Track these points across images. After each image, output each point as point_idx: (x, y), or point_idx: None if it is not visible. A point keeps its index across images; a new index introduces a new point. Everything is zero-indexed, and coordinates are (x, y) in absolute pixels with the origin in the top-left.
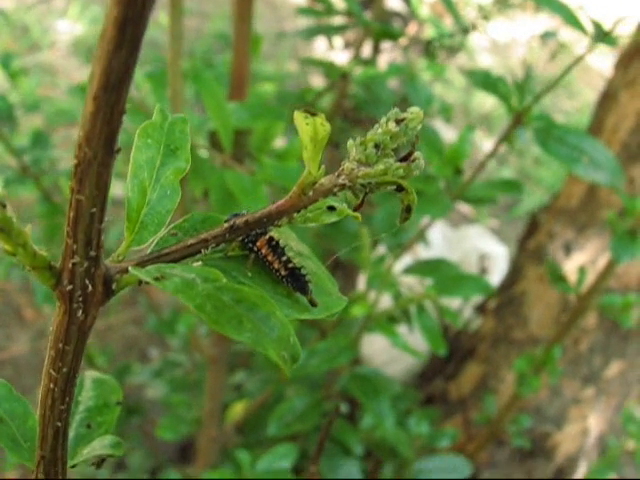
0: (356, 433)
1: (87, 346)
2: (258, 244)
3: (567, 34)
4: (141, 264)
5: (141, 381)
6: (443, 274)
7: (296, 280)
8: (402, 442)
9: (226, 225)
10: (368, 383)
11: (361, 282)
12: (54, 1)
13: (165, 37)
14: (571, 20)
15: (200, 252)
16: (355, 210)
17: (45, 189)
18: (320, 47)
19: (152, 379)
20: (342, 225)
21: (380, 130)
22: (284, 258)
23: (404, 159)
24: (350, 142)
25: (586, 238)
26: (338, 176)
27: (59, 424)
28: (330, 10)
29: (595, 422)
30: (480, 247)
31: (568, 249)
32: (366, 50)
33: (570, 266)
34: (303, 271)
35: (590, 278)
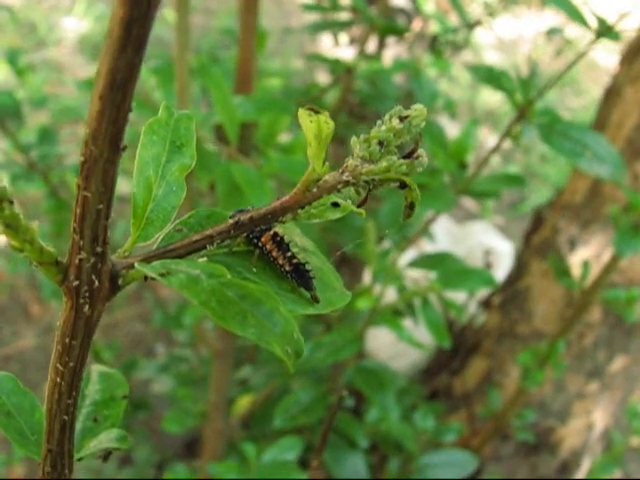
0: (361, 427)
1: (93, 341)
2: (263, 240)
3: (573, 31)
4: (147, 260)
5: (147, 376)
6: (448, 268)
7: (300, 276)
8: (407, 436)
9: (231, 221)
10: (373, 376)
11: (366, 277)
12: None
13: (170, 34)
14: (575, 15)
15: (205, 248)
16: (359, 206)
17: (52, 185)
18: (326, 44)
19: (158, 374)
20: (347, 219)
21: (384, 127)
22: (289, 254)
23: (407, 156)
24: (354, 139)
25: (590, 233)
26: (342, 173)
27: (66, 418)
28: (335, 6)
29: (599, 417)
30: (485, 243)
31: (572, 244)
32: (371, 46)
33: (574, 261)
34: (307, 267)
35: (594, 273)
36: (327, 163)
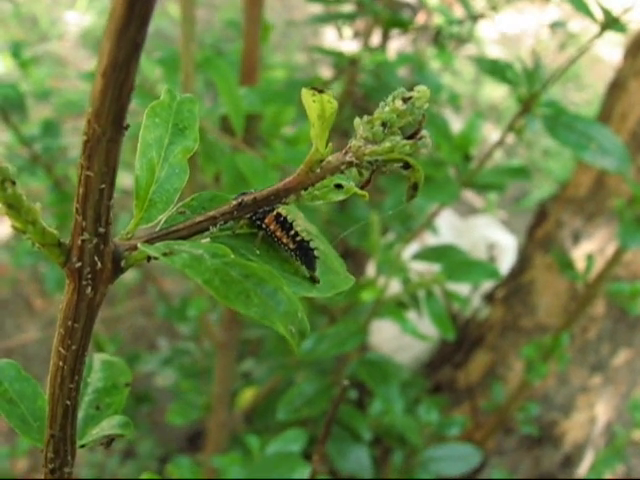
0: (365, 419)
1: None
2: (266, 221)
3: (576, 25)
4: (150, 241)
5: (150, 369)
6: (451, 260)
7: (305, 253)
8: (411, 429)
9: (234, 202)
10: (377, 368)
11: (370, 269)
12: None
13: (174, 28)
14: (580, 6)
15: (208, 229)
16: (362, 188)
17: (55, 178)
18: (329, 38)
19: (161, 367)
20: (351, 211)
21: (387, 108)
22: (292, 232)
23: (411, 137)
24: (357, 120)
25: (594, 227)
26: (345, 154)
27: (68, 402)
28: None
29: (602, 410)
30: (489, 237)
31: (576, 238)
32: (375, 39)
33: (578, 254)
34: (312, 244)
35: (598, 266)
36: (330, 144)
